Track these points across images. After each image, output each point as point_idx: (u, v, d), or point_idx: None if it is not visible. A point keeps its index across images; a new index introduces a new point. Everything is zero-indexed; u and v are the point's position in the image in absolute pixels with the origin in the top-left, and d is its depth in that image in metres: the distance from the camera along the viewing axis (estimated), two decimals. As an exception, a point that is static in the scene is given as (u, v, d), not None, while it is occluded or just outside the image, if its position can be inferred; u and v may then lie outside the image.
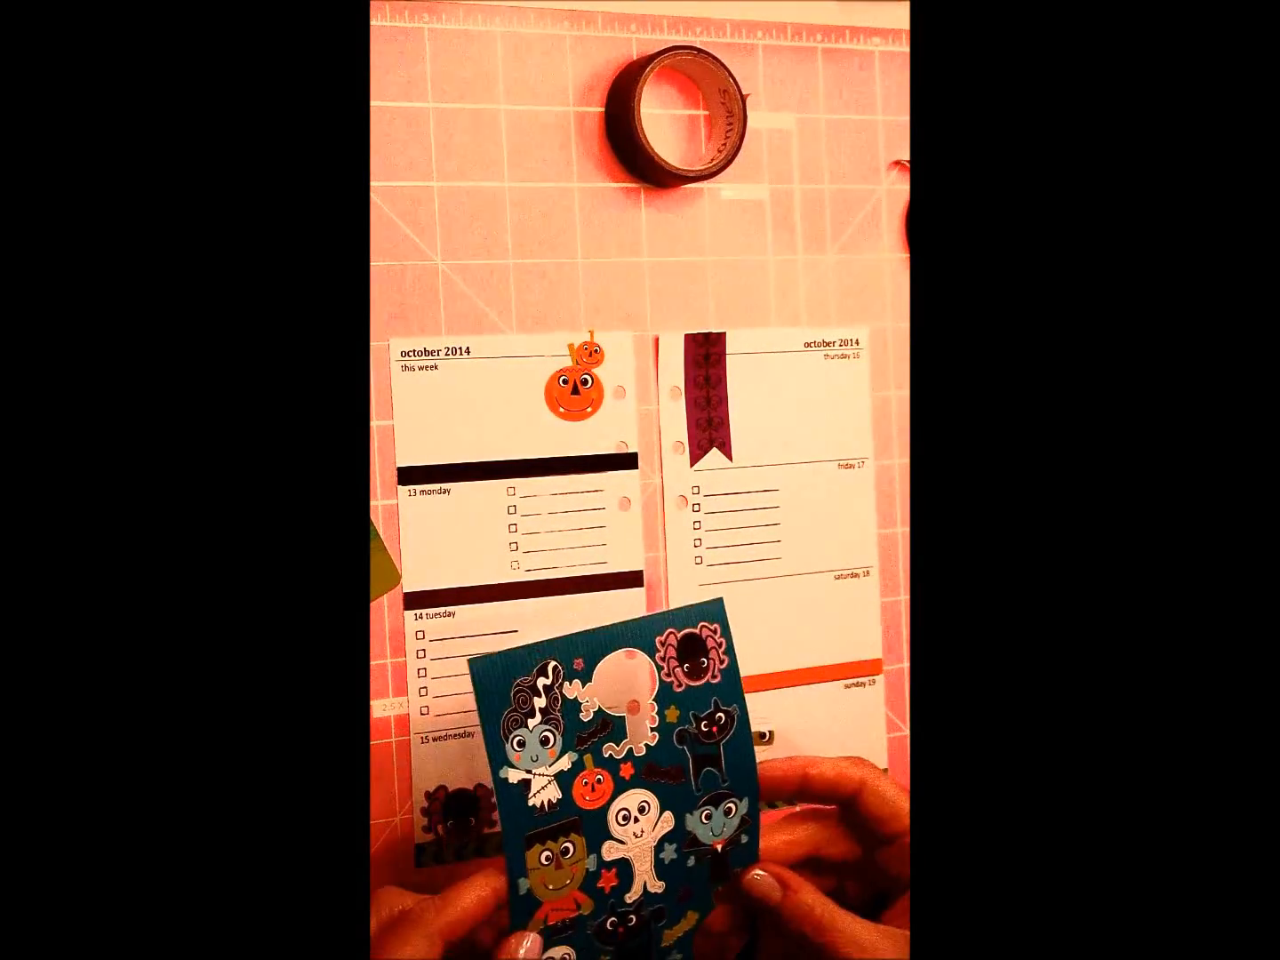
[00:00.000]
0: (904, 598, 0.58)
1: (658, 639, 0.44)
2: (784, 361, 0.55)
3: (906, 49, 0.57)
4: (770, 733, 0.55)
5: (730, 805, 0.45)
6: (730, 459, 0.54)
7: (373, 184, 0.48)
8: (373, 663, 0.49)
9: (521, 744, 0.40)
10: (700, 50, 0.51)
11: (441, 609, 0.50)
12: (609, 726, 0.43)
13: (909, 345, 0.51)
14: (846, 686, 0.56)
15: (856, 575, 0.57)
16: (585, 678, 0.42)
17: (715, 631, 0.45)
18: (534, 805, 0.40)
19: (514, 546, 0.51)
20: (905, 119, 0.57)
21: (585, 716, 0.42)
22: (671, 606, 0.53)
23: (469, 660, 0.40)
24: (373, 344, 0.48)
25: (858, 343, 0.56)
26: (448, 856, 0.50)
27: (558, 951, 0.41)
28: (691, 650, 0.45)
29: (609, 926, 0.42)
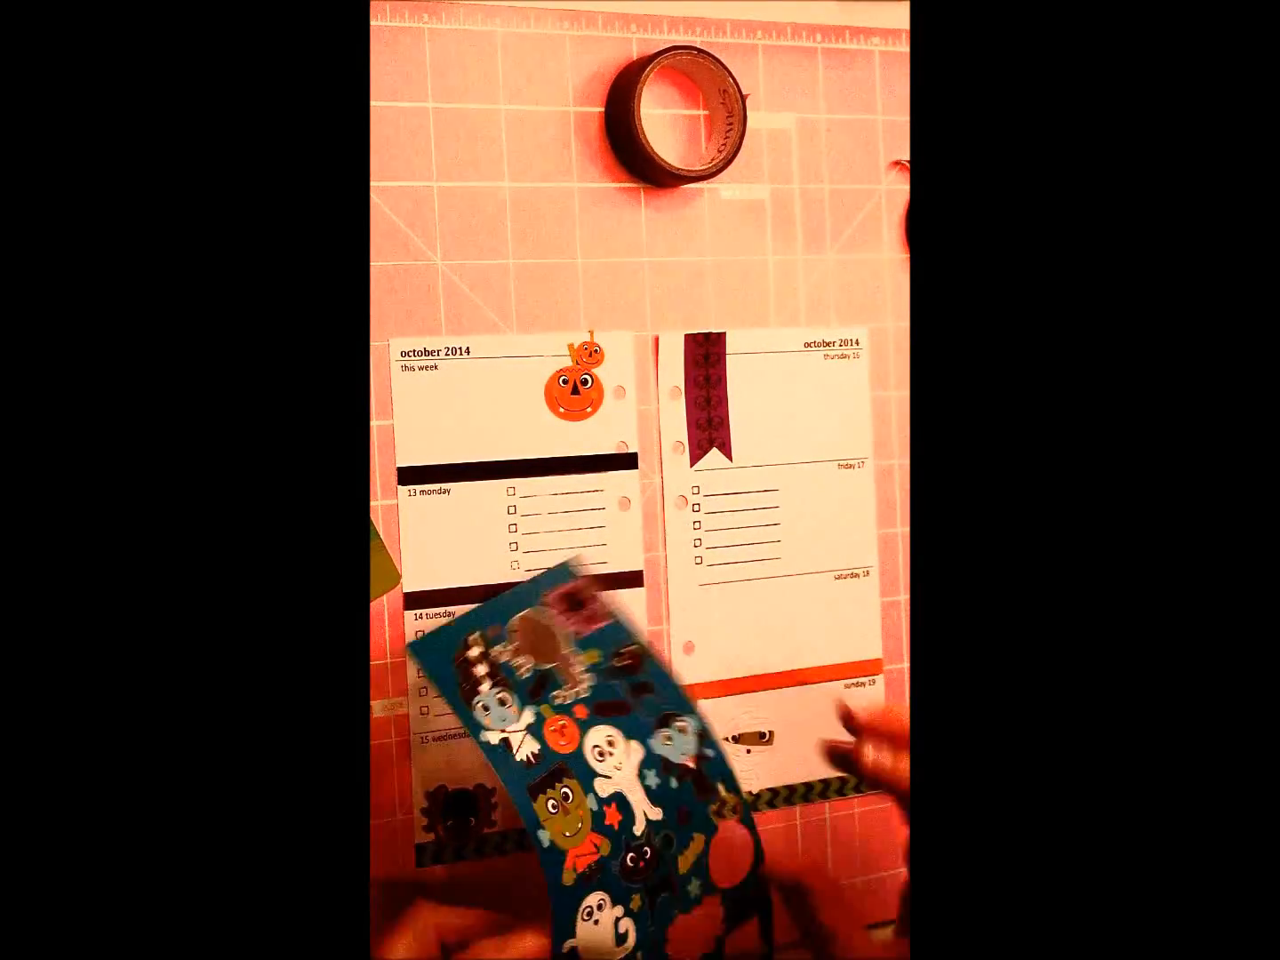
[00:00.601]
0: (904, 598, 0.58)
1: (544, 597, 0.48)
2: (784, 361, 0.55)
3: (906, 49, 0.57)
4: (770, 733, 0.55)
5: (681, 724, 0.47)
6: (730, 459, 0.54)
7: (373, 184, 0.48)
8: (373, 663, 0.49)
9: (486, 709, 0.43)
10: (700, 50, 0.51)
11: (441, 609, 0.50)
12: (549, 679, 0.45)
13: (909, 345, 0.51)
14: (846, 686, 0.56)
15: (856, 575, 0.57)
16: (507, 640, 0.45)
17: (583, 586, 0.50)
18: (521, 760, 0.42)
19: (514, 546, 0.51)
20: (905, 119, 0.57)
21: (523, 674, 0.45)
22: (670, 606, 0.53)
23: (407, 646, 0.43)
24: (373, 344, 0.48)
25: (858, 343, 0.56)
26: (447, 856, 0.50)
27: (594, 898, 0.42)
28: (575, 603, 0.48)
29: (630, 863, 0.44)
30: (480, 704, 0.43)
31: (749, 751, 0.55)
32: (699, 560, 0.54)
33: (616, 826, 0.43)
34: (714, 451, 0.54)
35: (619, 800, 0.44)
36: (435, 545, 0.50)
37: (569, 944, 0.41)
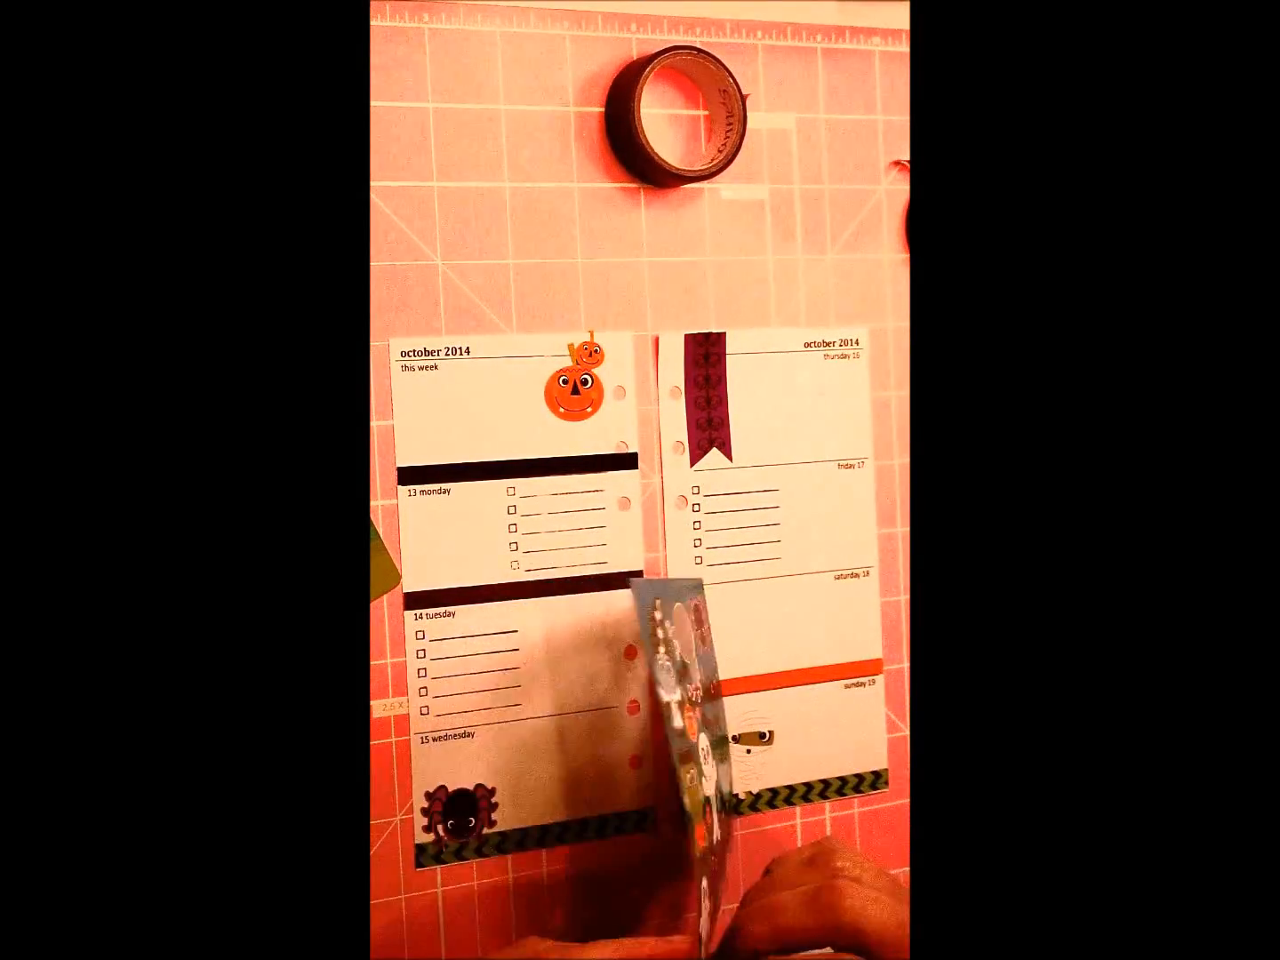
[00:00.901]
0: (904, 598, 0.58)
1: (693, 601, 0.49)
2: (784, 361, 0.55)
3: (906, 49, 0.57)
4: (770, 733, 0.55)
5: (724, 757, 0.49)
6: (730, 459, 0.54)
7: (373, 184, 0.48)
8: (373, 663, 0.49)
9: (666, 670, 0.44)
10: (700, 50, 0.51)
11: (441, 609, 0.50)
12: (686, 671, 0.46)
13: (909, 345, 0.51)
14: (846, 686, 0.56)
15: (856, 575, 0.57)
16: (674, 621, 0.47)
17: (701, 605, 0.51)
18: (678, 728, 0.43)
19: (514, 546, 0.51)
20: (905, 119, 0.57)
21: (676, 657, 0.46)
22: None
23: (631, 582, 0.45)
24: (373, 344, 0.48)
25: (858, 343, 0.56)
26: (448, 857, 0.50)
27: (704, 884, 0.43)
28: (699, 620, 0.49)
29: (715, 862, 0.45)
30: (661, 664, 0.44)
31: (749, 752, 0.55)
32: (699, 560, 0.54)
33: (708, 828, 0.45)
34: (714, 451, 0.54)
35: (709, 803, 0.46)
36: (435, 545, 0.49)
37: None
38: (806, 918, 0.41)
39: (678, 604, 0.47)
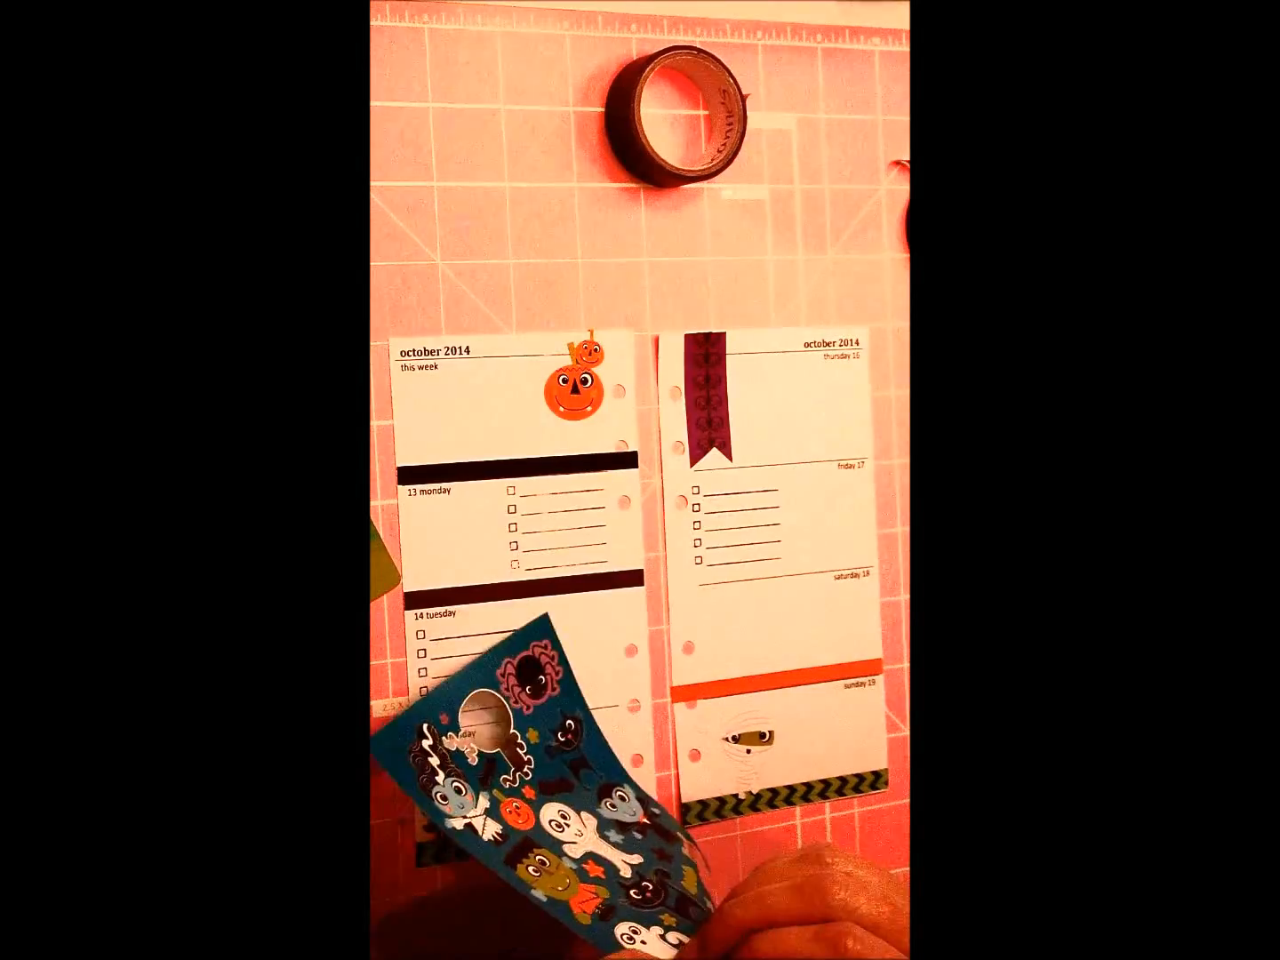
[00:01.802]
0: (904, 598, 0.58)
1: (497, 672, 0.48)
2: (784, 361, 0.55)
3: (906, 49, 0.57)
4: (770, 733, 0.55)
5: (620, 793, 0.48)
6: (730, 459, 0.54)
7: (373, 184, 0.48)
8: (373, 663, 0.49)
9: (445, 798, 0.43)
10: (700, 50, 0.51)
11: (441, 609, 0.50)
12: (494, 763, 0.46)
13: (909, 345, 0.51)
14: (846, 686, 0.56)
15: (856, 575, 0.57)
16: (455, 729, 0.46)
17: (546, 647, 0.49)
18: (490, 839, 0.42)
19: (514, 546, 0.51)
20: (905, 119, 0.57)
21: (472, 761, 0.45)
22: (670, 606, 0.53)
23: (370, 746, 0.42)
24: (373, 343, 0.48)
25: (858, 343, 0.56)
26: (448, 856, 0.50)
27: (623, 928, 0.42)
28: (529, 672, 0.48)
29: (636, 896, 0.44)
30: (439, 793, 0.43)
31: (749, 752, 0.55)
32: (699, 560, 0.54)
33: (603, 876, 0.44)
34: (714, 451, 0.54)
35: (594, 857, 0.44)
36: (435, 545, 0.50)
37: None
38: (795, 903, 0.39)
39: (476, 691, 0.47)
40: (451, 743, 0.45)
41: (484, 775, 0.45)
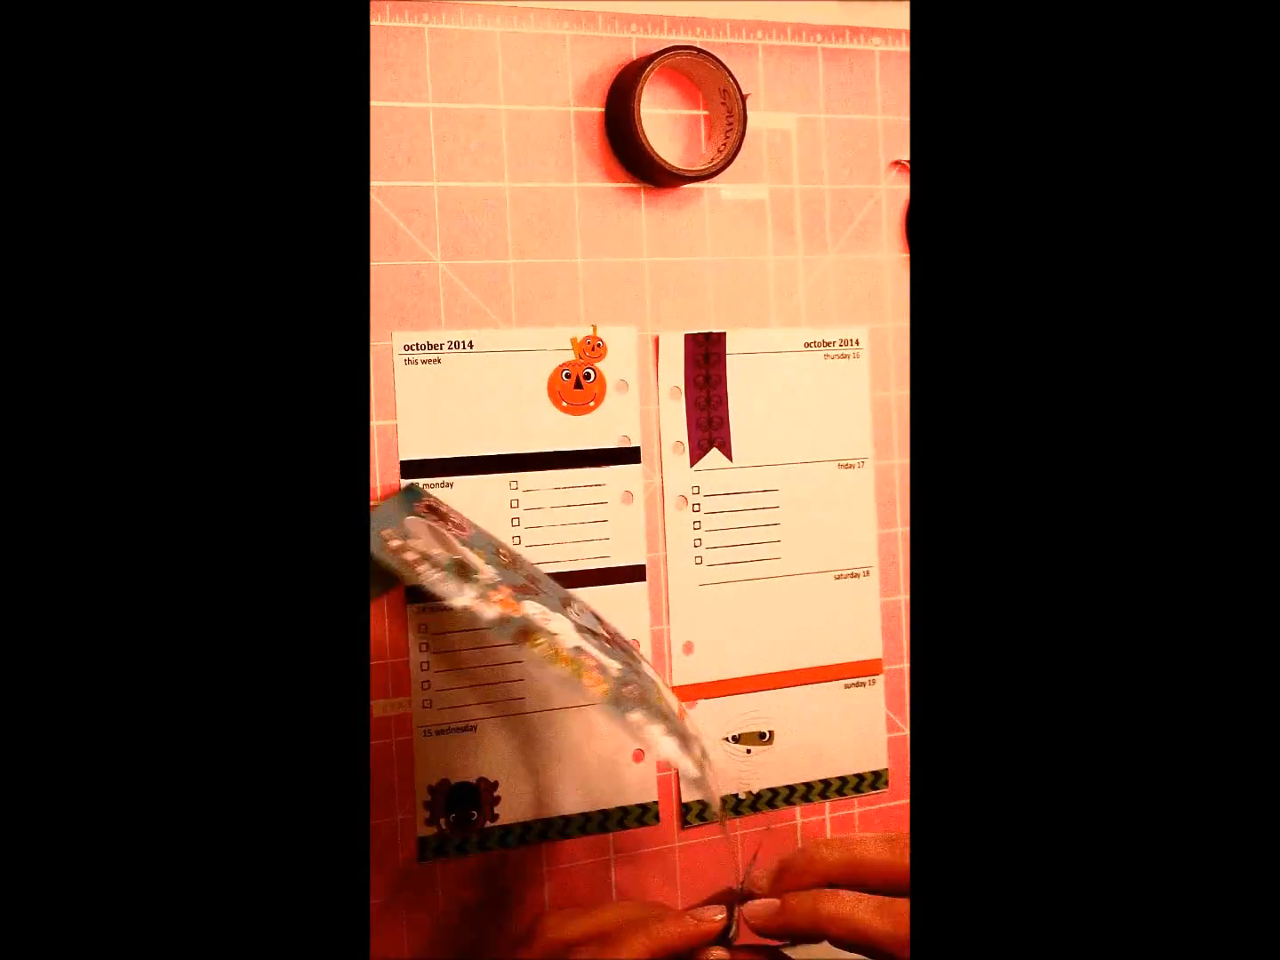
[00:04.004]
0: (904, 598, 0.58)
1: (419, 507, 0.47)
2: (784, 361, 0.55)
3: (906, 49, 0.57)
4: (770, 733, 0.55)
5: (579, 608, 0.47)
6: (730, 459, 0.54)
7: (373, 184, 0.48)
8: (373, 662, 0.49)
9: (444, 580, 0.42)
10: (700, 50, 0.51)
11: (441, 607, 0.50)
12: (463, 566, 0.44)
13: (909, 345, 0.51)
14: (846, 686, 0.56)
15: (856, 575, 0.57)
16: (413, 537, 0.45)
17: (439, 503, 0.49)
18: (493, 617, 0.41)
19: (516, 540, 0.51)
20: (905, 119, 0.57)
21: (443, 562, 0.44)
22: (670, 606, 0.53)
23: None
24: (374, 343, 0.48)
25: (858, 343, 0.56)
26: (450, 850, 0.50)
27: (635, 714, 0.41)
28: (439, 514, 0.48)
29: (629, 690, 0.43)
30: (433, 580, 0.42)
31: (749, 752, 0.55)
32: (699, 560, 0.54)
33: (599, 668, 0.43)
34: (714, 451, 0.54)
35: (584, 651, 0.43)
36: (436, 544, 0.50)
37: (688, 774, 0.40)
38: (885, 852, 0.38)
39: (406, 519, 0.46)
40: (417, 551, 0.44)
41: (459, 571, 0.44)
